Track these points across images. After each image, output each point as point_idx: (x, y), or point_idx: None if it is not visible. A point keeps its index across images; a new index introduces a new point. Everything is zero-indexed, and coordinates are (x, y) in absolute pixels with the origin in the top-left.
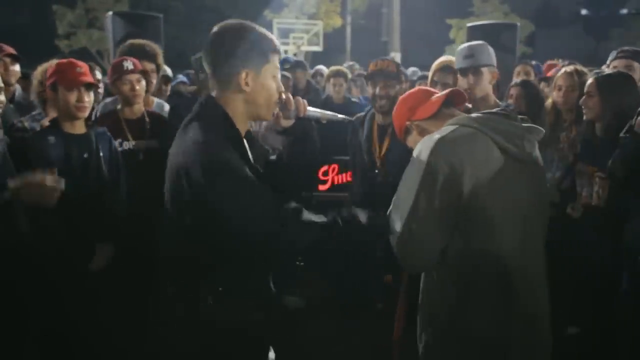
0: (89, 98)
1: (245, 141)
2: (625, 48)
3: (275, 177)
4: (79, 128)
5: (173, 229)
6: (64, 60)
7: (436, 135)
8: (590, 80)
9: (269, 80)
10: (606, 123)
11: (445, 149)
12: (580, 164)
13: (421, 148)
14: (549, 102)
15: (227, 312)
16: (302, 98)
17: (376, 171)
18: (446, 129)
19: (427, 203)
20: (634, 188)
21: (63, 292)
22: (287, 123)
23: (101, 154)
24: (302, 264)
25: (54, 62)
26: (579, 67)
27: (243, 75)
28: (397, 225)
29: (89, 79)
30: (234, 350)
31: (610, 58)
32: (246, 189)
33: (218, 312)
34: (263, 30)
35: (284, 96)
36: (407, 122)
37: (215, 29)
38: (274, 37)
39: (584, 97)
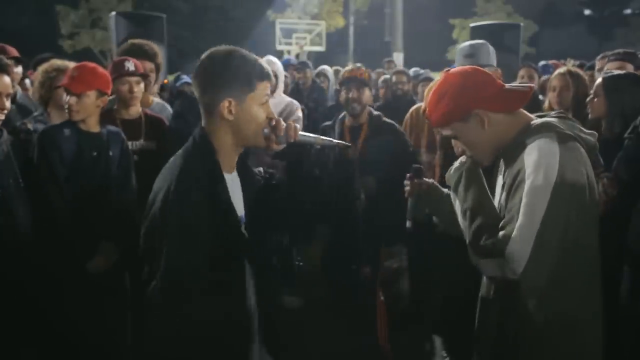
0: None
1: (233, 174)
2: (617, 50)
3: (270, 203)
4: (93, 126)
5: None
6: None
7: (554, 147)
8: (598, 81)
9: (255, 109)
10: (609, 123)
11: (571, 160)
12: None
13: (542, 161)
14: (545, 104)
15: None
16: (308, 97)
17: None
18: (549, 135)
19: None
20: (638, 189)
21: (64, 289)
22: (278, 147)
23: (111, 153)
24: (301, 264)
25: (54, 62)
26: (573, 68)
27: (226, 104)
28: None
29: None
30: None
31: (598, 60)
32: (184, 240)
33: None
34: (251, 56)
35: (273, 121)
36: (477, 110)
37: (203, 55)
38: (263, 63)
39: (590, 96)
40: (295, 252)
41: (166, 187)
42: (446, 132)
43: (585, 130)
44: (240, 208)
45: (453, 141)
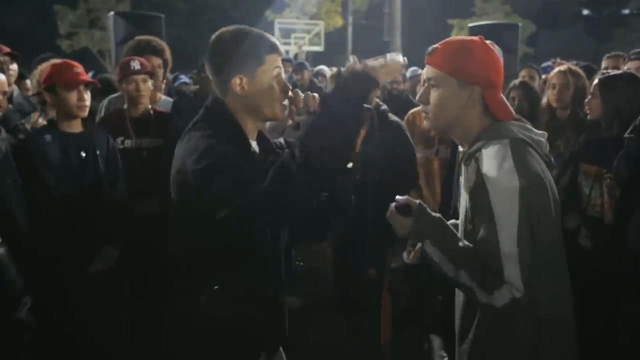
0: (88, 97)
1: (254, 142)
2: (638, 50)
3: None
4: (76, 127)
5: (173, 228)
6: (59, 62)
7: (507, 153)
8: (594, 81)
9: (267, 81)
10: (607, 124)
11: (527, 163)
12: (585, 165)
13: (500, 170)
14: (544, 101)
15: (221, 311)
16: None
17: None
18: (502, 142)
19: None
20: (638, 188)
21: (63, 293)
22: (299, 119)
23: (98, 152)
24: (301, 263)
25: (53, 62)
26: (573, 67)
27: (237, 80)
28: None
29: (86, 78)
30: (228, 350)
31: (604, 60)
32: (237, 178)
33: (211, 311)
34: (258, 32)
35: (291, 93)
36: (478, 88)
37: (212, 37)
38: (271, 37)
39: (589, 97)
40: (295, 252)
41: (194, 160)
42: (432, 75)
43: (536, 131)
44: None
45: (422, 89)
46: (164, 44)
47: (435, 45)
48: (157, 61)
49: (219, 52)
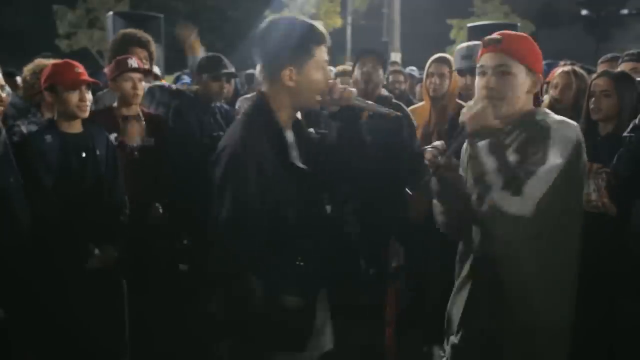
0: (89, 97)
1: (289, 132)
2: (631, 51)
3: (320, 160)
4: (76, 127)
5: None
6: (60, 61)
7: (575, 125)
8: (603, 80)
9: (314, 73)
10: (621, 122)
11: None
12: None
13: (565, 133)
14: (545, 101)
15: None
16: None
17: None
18: (574, 126)
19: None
20: (638, 186)
21: (63, 292)
22: (332, 108)
23: (97, 152)
24: (302, 263)
25: (41, 61)
26: (577, 68)
27: (287, 71)
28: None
29: (88, 78)
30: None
31: (600, 64)
32: (245, 205)
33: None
34: (309, 23)
35: (330, 82)
36: (541, 76)
37: (262, 25)
38: (321, 28)
39: (594, 97)
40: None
41: (232, 143)
42: (502, 61)
43: None
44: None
45: (484, 79)
46: (149, 37)
47: (497, 36)
48: (143, 53)
49: (268, 42)
